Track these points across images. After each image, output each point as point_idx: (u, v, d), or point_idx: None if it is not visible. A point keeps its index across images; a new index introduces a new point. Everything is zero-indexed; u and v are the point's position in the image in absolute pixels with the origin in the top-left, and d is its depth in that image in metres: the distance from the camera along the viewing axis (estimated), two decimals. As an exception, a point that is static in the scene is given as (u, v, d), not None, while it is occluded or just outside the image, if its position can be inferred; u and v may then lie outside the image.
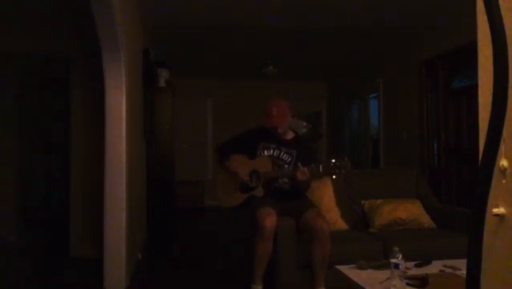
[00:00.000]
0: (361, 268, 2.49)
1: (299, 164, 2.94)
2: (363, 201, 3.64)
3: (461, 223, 3.22)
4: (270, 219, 2.83)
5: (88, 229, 4.40)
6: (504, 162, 0.90)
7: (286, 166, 3.11)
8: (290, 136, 3.24)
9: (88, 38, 3.87)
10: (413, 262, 2.55)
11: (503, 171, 0.90)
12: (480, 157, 0.88)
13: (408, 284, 2.17)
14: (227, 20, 5.24)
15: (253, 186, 3.08)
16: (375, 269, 2.46)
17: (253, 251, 2.88)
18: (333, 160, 2.87)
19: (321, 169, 2.91)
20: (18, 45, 4.59)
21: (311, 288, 2.89)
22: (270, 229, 2.83)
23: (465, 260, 0.88)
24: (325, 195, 3.49)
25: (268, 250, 2.86)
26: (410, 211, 3.48)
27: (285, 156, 3.15)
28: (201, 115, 8.94)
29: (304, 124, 8.70)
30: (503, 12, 0.84)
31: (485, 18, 0.86)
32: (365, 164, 7.54)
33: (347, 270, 2.50)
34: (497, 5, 0.83)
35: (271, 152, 3.15)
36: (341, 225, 3.44)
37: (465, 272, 0.89)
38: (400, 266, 2.12)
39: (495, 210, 0.91)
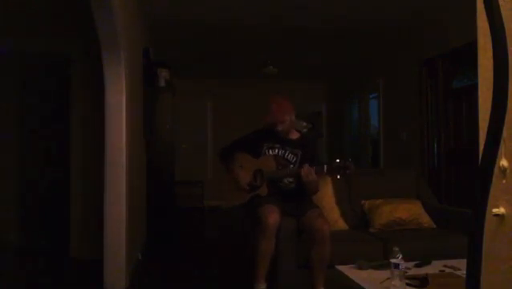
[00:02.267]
0: (361, 268, 2.49)
1: (306, 165, 2.92)
2: (363, 201, 3.64)
3: (461, 223, 3.22)
4: (273, 216, 2.82)
5: (88, 229, 4.40)
6: (504, 162, 0.90)
7: (291, 166, 3.11)
8: (295, 135, 3.23)
9: (88, 38, 3.87)
10: (413, 262, 2.55)
11: (503, 171, 0.91)
12: (480, 157, 0.88)
13: (408, 284, 2.17)
14: (227, 20, 5.24)
15: (257, 185, 3.08)
16: (375, 269, 2.46)
17: (256, 249, 2.87)
18: (337, 161, 2.87)
19: (325, 170, 2.90)
20: (18, 45, 4.59)
21: (311, 288, 2.89)
22: (273, 226, 2.82)
23: (465, 260, 0.88)
24: (325, 195, 3.49)
25: (271, 247, 2.85)
26: (410, 211, 3.48)
27: (290, 156, 3.15)
28: (201, 115, 8.95)
29: (304, 124, 8.70)
30: (503, 12, 0.85)
31: (485, 18, 0.86)
32: (365, 164, 7.54)
33: (347, 270, 2.50)
34: (497, 5, 0.83)
35: (276, 151, 3.15)
36: (341, 225, 3.44)
37: (465, 272, 0.89)
38: (400, 266, 2.12)
39: (495, 210, 0.92)
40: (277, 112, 3.09)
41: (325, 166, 2.91)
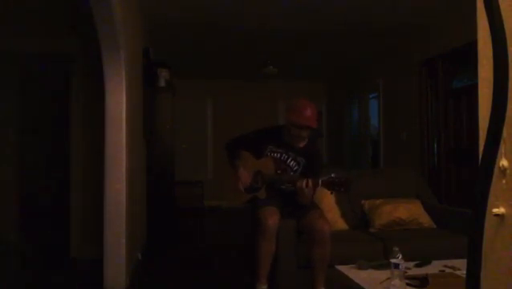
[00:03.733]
0: (361, 268, 2.50)
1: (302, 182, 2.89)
2: (363, 201, 3.64)
3: (461, 223, 3.22)
4: (272, 218, 2.83)
5: (88, 229, 4.40)
6: (504, 162, 0.90)
7: (292, 173, 3.09)
8: (302, 143, 3.15)
9: (88, 38, 3.87)
10: (413, 262, 2.55)
11: (503, 171, 0.91)
12: (480, 157, 0.88)
13: (408, 284, 2.17)
14: (227, 20, 5.24)
15: (257, 187, 3.08)
16: (375, 269, 2.46)
17: (257, 250, 2.88)
18: (333, 175, 2.81)
19: (320, 183, 2.87)
20: (18, 45, 4.59)
21: (311, 288, 2.89)
22: (273, 228, 2.83)
23: (465, 260, 0.88)
24: (325, 195, 3.49)
25: (271, 248, 2.86)
26: (410, 211, 3.48)
27: (292, 163, 3.11)
28: (201, 115, 8.95)
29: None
30: (503, 12, 0.85)
31: (485, 18, 0.86)
32: (365, 164, 7.55)
33: (347, 270, 2.51)
34: (497, 5, 0.83)
35: (278, 155, 3.12)
36: (341, 225, 3.44)
37: (465, 272, 0.89)
38: (400, 266, 2.12)
39: (495, 210, 0.92)
40: (311, 119, 2.98)
41: (320, 180, 2.83)
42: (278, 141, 3.14)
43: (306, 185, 2.83)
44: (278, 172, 3.07)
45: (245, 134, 3.31)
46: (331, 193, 2.95)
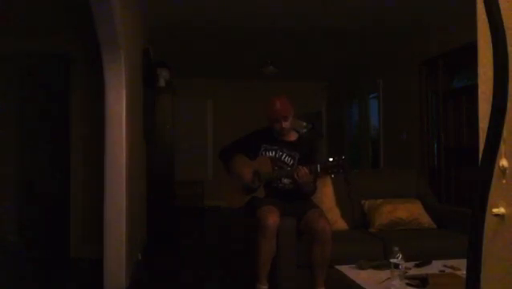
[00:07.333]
0: (361, 268, 2.49)
1: (299, 167, 2.93)
2: (363, 201, 3.64)
3: (461, 223, 3.22)
4: (272, 217, 2.83)
5: (88, 229, 4.39)
6: (504, 162, 0.90)
7: (289, 169, 3.11)
8: (292, 137, 3.23)
9: (88, 38, 3.86)
10: (413, 262, 2.55)
11: (503, 171, 0.91)
12: (480, 157, 0.88)
13: (408, 284, 2.17)
14: (227, 20, 5.24)
15: (255, 187, 3.08)
16: (375, 269, 2.46)
17: (257, 250, 2.88)
18: (330, 160, 2.88)
19: (319, 169, 2.91)
20: (18, 45, 4.59)
21: (311, 288, 2.89)
22: (273, 227, 2.83)
23: (465, 260, 0.88)
24: (325, 195, 3.49)
25: (271, 248, 2.86)
26: (410, 211, 3.48)
27: (287, 159, 3.14)
28: (201, 115, 8.95)
29: (304, 124, 8.70)
30: (503, 12, 0.85)
31: (485, 18, 0.86)
32: (365, 164, 7.54)
33: (347, 270, 2.50)
34: (497, 5, 0.83)
35: (273, 153, 3.15)
36: (341, 225, 3.44)
37: (465, 272, 0.89)
38: (400, 266, 2.12)
39: (495, 210, 0.92)
40: (282, 109, 3.08)
41: (318, 166, 2.91)
42: (270, 140, 3.18)
43: (303, 172, 2.87)
44: (276, 168, 3.09)
45: (237, 140, 3.35)
46: (332, 176, 2.99)
